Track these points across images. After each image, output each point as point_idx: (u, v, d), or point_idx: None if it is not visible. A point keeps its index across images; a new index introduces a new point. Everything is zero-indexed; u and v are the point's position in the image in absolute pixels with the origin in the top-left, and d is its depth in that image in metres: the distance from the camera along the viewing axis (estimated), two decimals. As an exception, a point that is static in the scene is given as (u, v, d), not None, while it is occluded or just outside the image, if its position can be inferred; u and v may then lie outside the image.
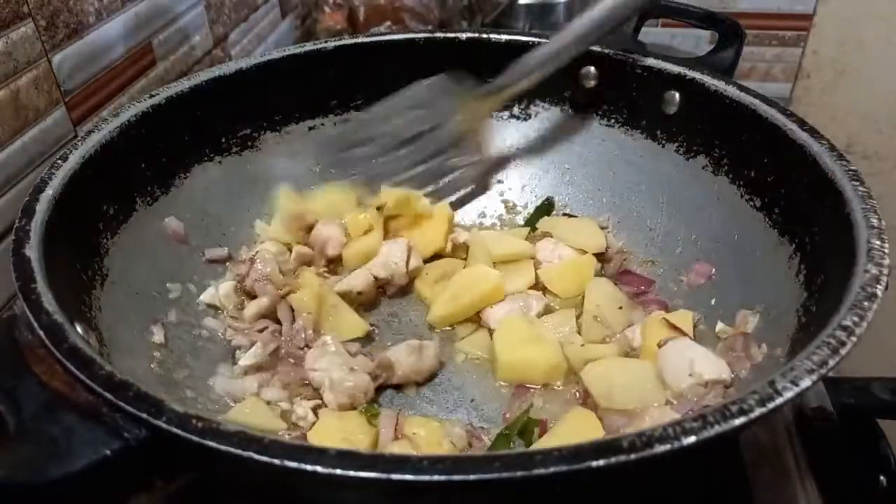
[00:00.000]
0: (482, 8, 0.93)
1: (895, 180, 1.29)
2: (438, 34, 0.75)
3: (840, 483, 0.51)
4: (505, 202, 0.77)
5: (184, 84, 0.64)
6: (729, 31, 0.70)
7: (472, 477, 0.31)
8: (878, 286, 0.41)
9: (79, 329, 0.42)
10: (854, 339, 0.38)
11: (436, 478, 0.31)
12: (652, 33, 1.01)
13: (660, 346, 0.55)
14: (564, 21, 1.01)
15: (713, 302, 0.61)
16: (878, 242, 0.44)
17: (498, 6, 0.93)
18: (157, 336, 0.56)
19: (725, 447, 0.51)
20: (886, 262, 0.43)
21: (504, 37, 0.73)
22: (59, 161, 0.53)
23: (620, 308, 0.62)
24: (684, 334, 0.57)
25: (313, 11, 1.03)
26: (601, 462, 0.31)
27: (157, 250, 0.61)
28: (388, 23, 0.88)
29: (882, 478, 0.49)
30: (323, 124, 0.74)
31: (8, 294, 0.58)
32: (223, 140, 0.69)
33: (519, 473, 0.31)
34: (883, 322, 0.42)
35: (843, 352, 0.37)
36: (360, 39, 0.74)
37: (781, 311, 0.52)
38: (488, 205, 0.77)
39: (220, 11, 0.87)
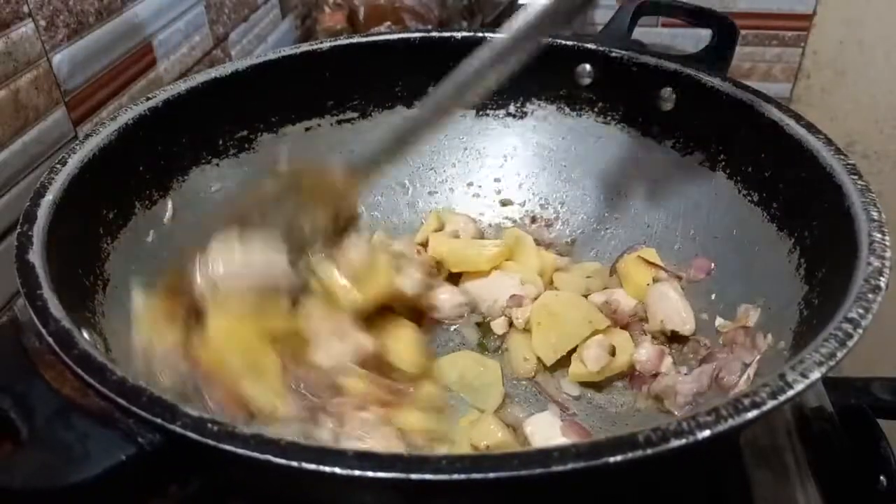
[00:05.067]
0: (482, 8, 0.93)
1: (895, 179, 1.30)
2: (434, 34, 0.75)
3: (840, 483, 0.51)
4: (502, 201, 0.77)
5: (180, 86, 0.64)
6: (723, 27, 0.70)
7: (491, 475, 0.31)
8: (882, 278, 0.42)
9: (85, 335, 0.42)
10: (860, 331, 0.39)
11: (455, 477, 0.31)
12: (652, 33, 1.01)
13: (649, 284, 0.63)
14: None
15: (713, 297, 0.61)
16: (879, 235, 0.45)
17: (498, 6, 0.93)
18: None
19: (729, 447, 0.52)
20: (888, 254, 0.43)
21: (500, 36, 0.73)
22: (59, 165, 0.53)
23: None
24: (660, 267, 0.64)
25: (313, 11, 1.02)
26: (618, 458, 0.32)
27: (155, 255, 0.61)
28: (388, 23, 0.88)
29: (882, 478, 0.49)
30: (319, 125, 0.74)
31: (7, 295, 0.57)
32: (220, 142, 0.68)
33: (537, 471, 0.31)
34: (883, 322, 0.42)
35: (850, 344, 0.38)
36: (355, 40, 0.74)
37: (782, 304, 0.53)
38: (485, 204, 0.77)
39: (220, 11, 0.87)
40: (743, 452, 0.52)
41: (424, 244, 0.71)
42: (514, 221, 0.76)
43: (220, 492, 0.42)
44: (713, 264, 0.63)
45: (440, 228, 0.72)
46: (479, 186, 0.78)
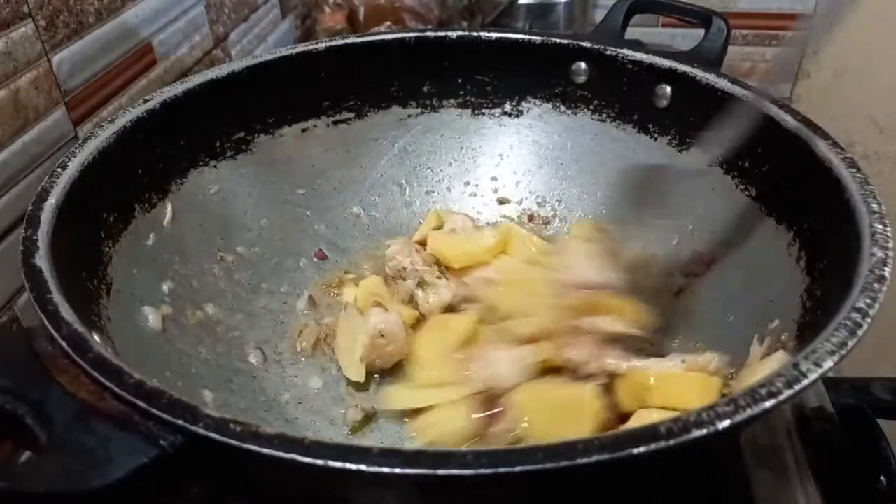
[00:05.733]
0: (482, 8, 0.94)
1: (895, 180, 1.30)
2: (429, 33, 0.75)
3: (840, 483, 0.51)
4: (499, 200, 0.77)
5: (177, 88, 0.64)
6: (713, 23, 0.71)
7: (517, 469, 0.32)
8: (886, 268, 0.42)
9: (96, 338, 0.42)
10: (868, 320, 0.39)
11: (481, 471, 0.31)
12: (652, 33, 1.02)
13: None
14: (564, 21, 1.03)
15: (713, 290, 0.62)
16: (880, 226, 0.46)
17: (498, 6, 0.94)
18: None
19: (729, 446, 0.52)
20: (891, 244, 0.44)
21: (495, 35, 0.74)
22: (59, 169, 0.52)
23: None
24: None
25: (313, 12, 1.02)
26: (642, 449, 0.32)
27: (156, 258, 0.60)
28: (389, 23, 0.88)
29: (882, 478, 0.50)
30: (316, 126, 0.74)
31: (7, 295, 0.57)
32: (217, 144, 0.68)
33: (563, 463, 0.32)
34: (882, 322, 0.42)
35: (860, 333, 0.38)
36: (350, 40, 0.74)
37: (784, 296, 0.53)
38: (482, 203, 0.77)
39: (220, 11, 0.87)
40: (743, 452, 0.53)
41: (423, 243, 0.71)
42: (512, 220, 0.76)
43: (220, 492, 0.42)
44: (712, 258, 0.64)
45: (439, 227, 0.72)
46: (476, 185, 0.78)
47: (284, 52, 0.71)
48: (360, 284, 0.67)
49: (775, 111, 0.59)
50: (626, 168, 0.67)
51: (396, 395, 0.58)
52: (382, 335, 0.59)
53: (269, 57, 0.70)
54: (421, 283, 0.64)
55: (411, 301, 0.64)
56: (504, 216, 0.77)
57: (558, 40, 0.73)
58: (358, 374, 0.59)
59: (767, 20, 1.18)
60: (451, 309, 0.65)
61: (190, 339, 0.58)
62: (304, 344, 0.63)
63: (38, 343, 0.40)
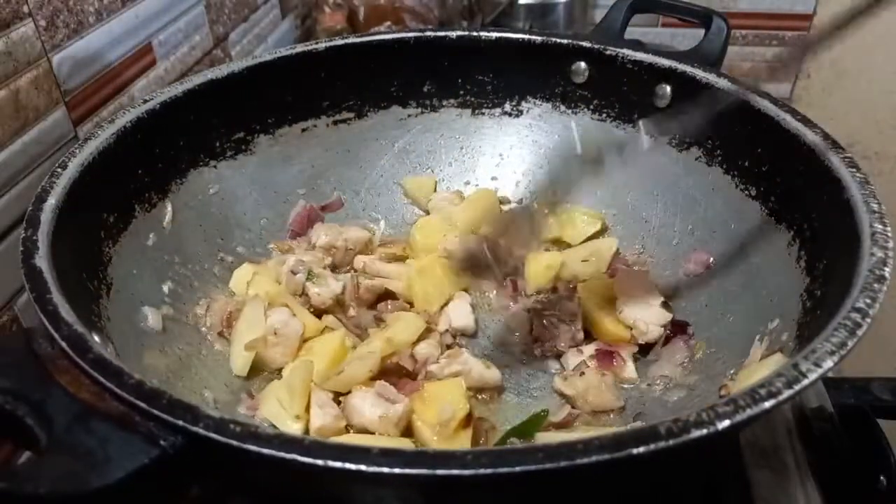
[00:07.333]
0: (482, 8, 0.94)
1: (895, 180, 1.30)
2: (429, 33, 0.75)
3: (840, 483, 0.52)
4: (500, 199, 0.77)
5: (177, 88, 0.64)
6: (713, 23, 0.71)
7: (517, 469, 0.32)
8: (886, 268, 0.43)
9: (96, 338, 0.42)
10: (868, 320, 0.39)
11: (481, 471, 0.31)
12: (652, 33, 1.02)
13: None
14: (564, 21, 1.03)
15: (714, 290, 0.62)
16: (880, 226, 0.46)
17: (498, 6, 0.94)
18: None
19: (729, 446, 0.52)
20: (891, 244, 0.44)
21: (494, 34, 0.74)
22: (59, 169, 0.52)
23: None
24: None
25: (313, 12, 1.03)
26: (641, 449, 0.32)
27: (156, 258, 0.60)
28: (389, 23, 0.88)
29: (882, 478, 0.50)
30: (316, 126, 0.74)
31: (7, 295, 0.57)
32: (217, 144, 0.68)
33: (562, 463, 0.32)
34: (882, 322, 0.42)
35: (860, 333, 0.38)
36: (351, 40, 0.74)
37: (784, 296, 0.53)
38: (482, 202, 0.77)
39: (220, 11, 0.87)
40: (743, 452, 0.53)
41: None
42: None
43: (220, 492, 0.42)
44: (712, 258, 0.64)
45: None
46: (476, 185, 0.78)
47: (284, 52, 0.71)
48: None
49: (774, 111, 0.59)
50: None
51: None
52: (276, 333, 0.59)
53: (269, 57, 0.70)
54: (310, 276, 0.64)
55: (303, 294, 0.64)
56: (504, 216, 0.77)
57: (558, 40, 0.73)
58: (242, 368, 0.58)
59: (767, 20, 1.18)
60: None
61: (190, 339, 0.58)
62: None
63: (38, 343, 0.40)
